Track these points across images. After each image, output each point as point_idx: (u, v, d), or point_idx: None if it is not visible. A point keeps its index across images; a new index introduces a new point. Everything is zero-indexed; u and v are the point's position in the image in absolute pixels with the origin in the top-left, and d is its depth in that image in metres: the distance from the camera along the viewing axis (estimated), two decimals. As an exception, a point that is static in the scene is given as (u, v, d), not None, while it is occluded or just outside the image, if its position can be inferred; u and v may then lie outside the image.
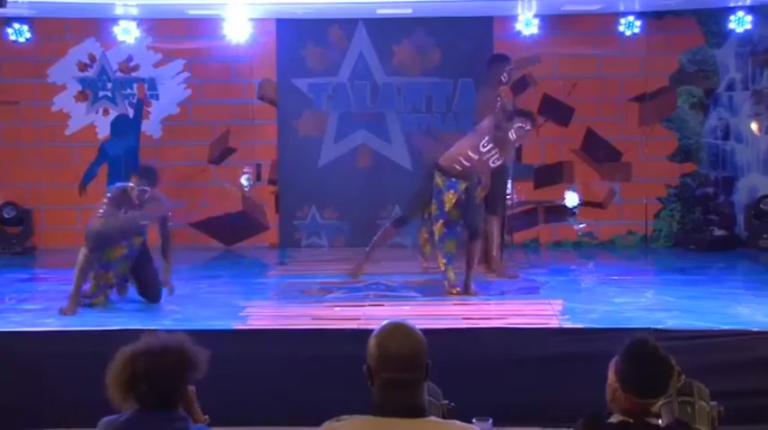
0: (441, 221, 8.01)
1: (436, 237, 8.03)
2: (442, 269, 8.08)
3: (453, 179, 7.99)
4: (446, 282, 8.06)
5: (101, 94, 11.11)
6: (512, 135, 8.14)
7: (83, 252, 7.57)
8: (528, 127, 8.22)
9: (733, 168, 10.84)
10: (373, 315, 7.20)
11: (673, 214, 10.97)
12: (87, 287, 7.69)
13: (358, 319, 7.11)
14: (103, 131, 11.13)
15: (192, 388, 3.40)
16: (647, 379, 3.27)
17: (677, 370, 3.90)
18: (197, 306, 7.67)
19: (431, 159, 8.49)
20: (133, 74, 11.09)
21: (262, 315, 7.45)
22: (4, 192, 11.06)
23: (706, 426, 4.14)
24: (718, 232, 10.58)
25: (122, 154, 11.10)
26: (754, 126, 10.64)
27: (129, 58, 11.05)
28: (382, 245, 8.51)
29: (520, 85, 11.01)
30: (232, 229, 11.18)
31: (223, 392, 5.33)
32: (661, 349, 3.34)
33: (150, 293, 7.90)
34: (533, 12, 10.45)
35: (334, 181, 11.02)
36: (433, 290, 8.27)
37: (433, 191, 8.03)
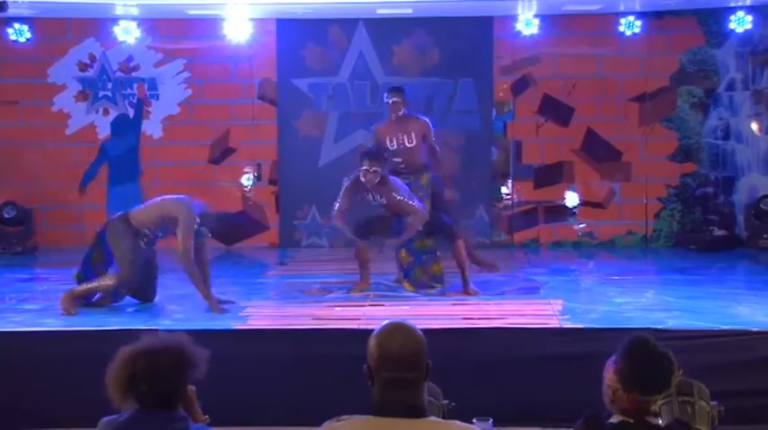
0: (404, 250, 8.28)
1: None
2: (432, 292, 8.14)
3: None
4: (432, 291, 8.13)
5: (101, 93, 11.11)
6: (362, 177, 7.97)
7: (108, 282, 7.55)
8: (364, 167, 7.86)
9: (733, 168, 10.84)
10: (373, 315, 7.21)
11: (673, 214, 10.97)
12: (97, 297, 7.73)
13: (358, 319, 7.11)
14: (104, 131, 11.14)
15: (192, 388, 3.40)
16: (649, 376, 3.28)
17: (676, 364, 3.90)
18: (197, 306, 7.66)
19: None
20: (133, 74, 11.10)
21: (262, 315, 7.45)
22: (4, 191, 11.06)
23: (706, 426, 4.14)
24: (719, 232, 10.58)
25: (123, 154, 11.11)
26: (754, 126, 10.64)
27: (130, 58, 11.06)
28: (367, 259, 8.32)
29: (520, 86, 11.02)
30: (232, 229, 11.17)
31: (223, 392, 5.33)
32: (659, 345, 3.36)
33: (146, 294, 7.89)
34: (533, 12, 10.46)
35: (334, 181, 10.96)
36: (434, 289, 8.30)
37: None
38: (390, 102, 8.54)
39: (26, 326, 6.98)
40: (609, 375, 3.35)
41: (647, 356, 3.31)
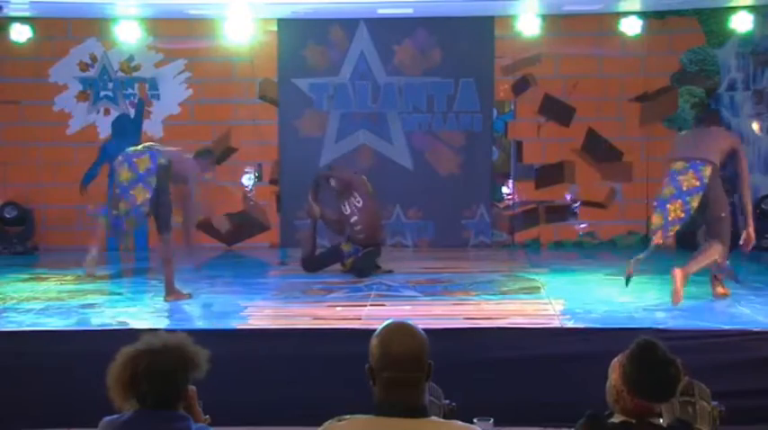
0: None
1: None
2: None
3: None
4: None
5: (102, 93, 11.12)
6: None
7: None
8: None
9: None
10: (375, 315, 7.21)
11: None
12: None
13: (359, 319, 7.11)
14: (104, 131, 11.15)
15: (192, 388, 3.39)
16: (655, 383, 3.25)
17: (683, 372, 3.89)
18: (197, 306, 7.67)
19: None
20: (134, 74, 11.10)
21: (262, 315, 7.45)
22: (5, 191, 11.07)
23: (707, 426, 4.14)
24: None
25: (123, 154, 11.10)
26: (755, 126, 10.64)
27: (131, 58, 11.07)
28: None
29: (521, 85, 11.02)
30: (233, 229, 11.16)
31: (224, 392, 5.32)
32: (668, 352, 3.33)
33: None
34: (534, 11, 10.46)
35: (335, 181, 11.01)
36: (435, 289, 8.30)
37: None
38: None
39: (26, 326, 6.97)
40: (614, 375, 3.34)
41: (654, 363, 3.27)
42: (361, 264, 9.08)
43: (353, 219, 9.19)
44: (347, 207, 9.21)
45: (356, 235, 9.19)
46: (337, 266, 9.27)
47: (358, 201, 9.22)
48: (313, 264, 9.31)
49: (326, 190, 9.33)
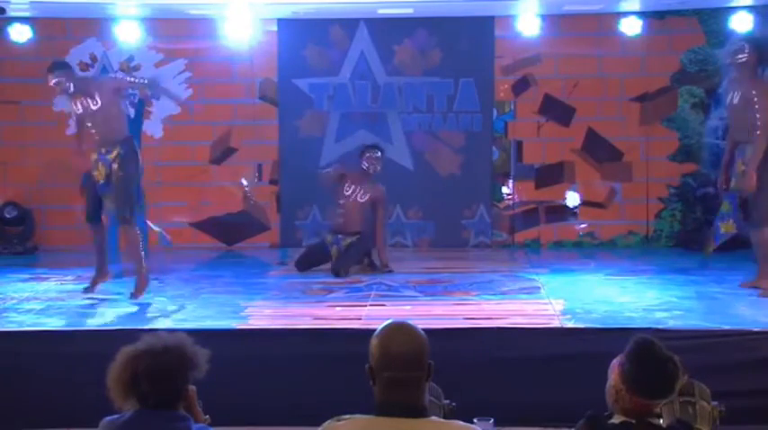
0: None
1: None
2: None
3: None
4: None
5: (102, 93, 11.09)
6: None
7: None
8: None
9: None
10: (375, 315, 7.21)
11: (674, 214, 10.97)
12: None
13: (359, 319, 7.11)
14: (104, 131, 11.12)
15: (192, 388, 3.40)
16: (654, 380, 3.27)
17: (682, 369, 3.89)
18: (197, 306, 7.67)
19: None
20: (134, 74, 11.08)
21: (263, 315, 7.45)
22: (5, 191, 11.06)
23: (707, 426, 4.15)
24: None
25: (123, 154, 11.08)
26: (755, 126, 10.61)
27: (131, 58, 11.05)
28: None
29: (521, 86, 11.01)
30: (233, 229, 11.18)
31: (223, 392, 5.32)
32: (666, 349, 3.34)
33: None
34: (534, 11, 10.46)
35: (335, 181, 11.00)
36: (435, 289, 8.31)
37: None
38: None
39: (26, 326, 6.97)
40: (614, 376, 3.34)
41: (652, 361, 3.29)
42: (342, 261, 9.15)
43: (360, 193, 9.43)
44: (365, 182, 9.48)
45: (338, 218, 9.45)
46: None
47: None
48: (302, 264, 9.33)
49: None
